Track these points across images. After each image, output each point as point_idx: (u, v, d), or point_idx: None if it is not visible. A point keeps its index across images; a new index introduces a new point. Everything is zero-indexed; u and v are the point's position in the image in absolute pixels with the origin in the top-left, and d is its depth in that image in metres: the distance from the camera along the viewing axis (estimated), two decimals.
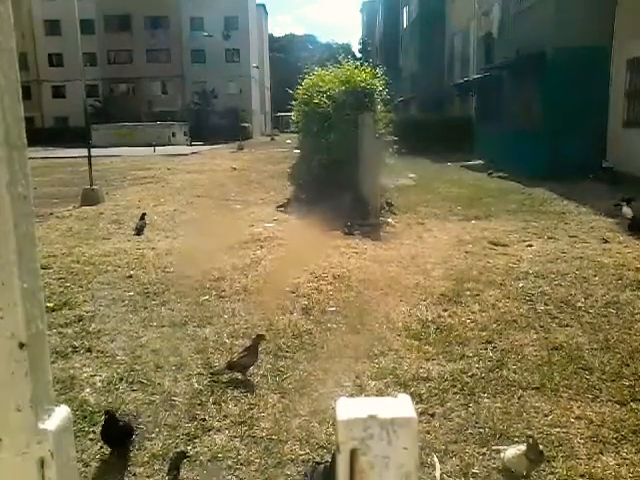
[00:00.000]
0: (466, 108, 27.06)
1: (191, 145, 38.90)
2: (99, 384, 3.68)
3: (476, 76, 22.72)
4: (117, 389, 3.61)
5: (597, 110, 14.90)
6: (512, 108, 18.35)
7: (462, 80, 25.48)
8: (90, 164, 12.12)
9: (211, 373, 3.83)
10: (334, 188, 11.06)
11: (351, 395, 3.50)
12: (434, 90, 32.43)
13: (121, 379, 3.74)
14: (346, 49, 63.15)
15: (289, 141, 33.69)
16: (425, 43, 33.88)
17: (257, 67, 62.56)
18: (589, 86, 14.75)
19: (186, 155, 28.06)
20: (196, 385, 3.66)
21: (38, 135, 46.54)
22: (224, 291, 5.66)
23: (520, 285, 5.70)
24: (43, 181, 15.53)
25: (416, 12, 35.84)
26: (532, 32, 16.85)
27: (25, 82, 59.40)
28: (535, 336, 4.38)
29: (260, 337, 3.86)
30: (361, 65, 12.16)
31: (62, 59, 55.85)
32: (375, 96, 11.64)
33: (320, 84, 11.51)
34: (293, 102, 13.36)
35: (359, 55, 50.43)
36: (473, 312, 4.95)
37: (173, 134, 41.54)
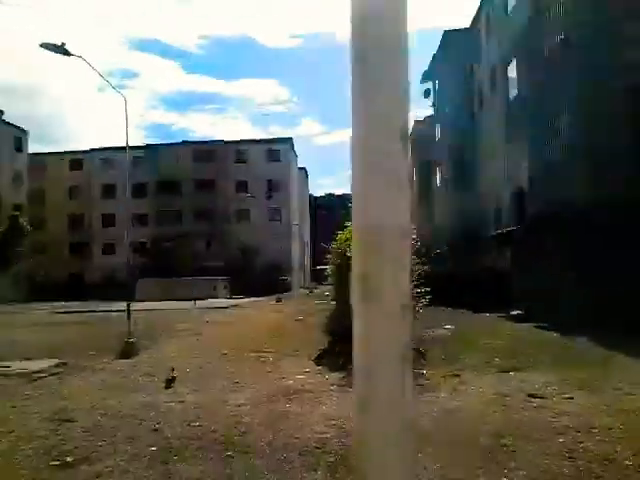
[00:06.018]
0: (503, 258, 27.24)
1: (231, 298, 39.76)
2: None
3: (510, 229, 23.20)
4: None
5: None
6: (547, 259, 18.40)
7: (496, 232, 25.99)
8: (129, 318, 12.45)
9: None
10: None
11: None
12: (469, 240, 33.00)
13: None
14: None
15: (327, 293, 34.03)
16: (458, 201, 35.11)
17: (297, 224, 65.50)
18: (623, 238, 14.78)
19: (225, 308, 28.57)
20: None
21: (87, 289, 48.58)
22: (248, 447, 5.48)
23: (560, 440, 5.35)
24: (85, 334, 15.90)
25: (448, 173, 37.58)
26: (561, 189, 17.38)
27: (78, 240, 63.52)
28: None
29: None
30: None
31: (114, 219, 59.99)
32: None
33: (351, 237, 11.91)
34: (328, 256, 13.79)
35: None
36: (509, 470, 4.63)
37: (214, 288, 42.73)
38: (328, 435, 5.78)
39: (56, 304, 36.95)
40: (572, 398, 7.05)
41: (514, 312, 18.37)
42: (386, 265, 0.61)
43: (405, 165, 0.65)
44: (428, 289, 12.23)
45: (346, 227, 13.33)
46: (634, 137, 15.42)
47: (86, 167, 65.06)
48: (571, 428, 5.73)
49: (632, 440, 5.33)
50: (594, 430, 5.65)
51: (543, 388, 7.71)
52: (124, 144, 15.82)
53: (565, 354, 10.63)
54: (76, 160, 65.81)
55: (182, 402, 7.44)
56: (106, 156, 61.69)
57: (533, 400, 7.05)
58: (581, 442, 5.27)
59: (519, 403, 6.93)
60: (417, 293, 11.85)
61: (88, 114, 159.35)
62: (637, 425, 5.80)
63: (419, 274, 12.37)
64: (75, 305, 35.72)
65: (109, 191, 61.64)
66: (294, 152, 68.81)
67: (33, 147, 75.02)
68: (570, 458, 4.87)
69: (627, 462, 4.75)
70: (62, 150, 67.56)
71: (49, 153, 66.54)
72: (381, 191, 0.63)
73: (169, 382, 8.53)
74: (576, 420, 6.03)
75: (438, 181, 43.15)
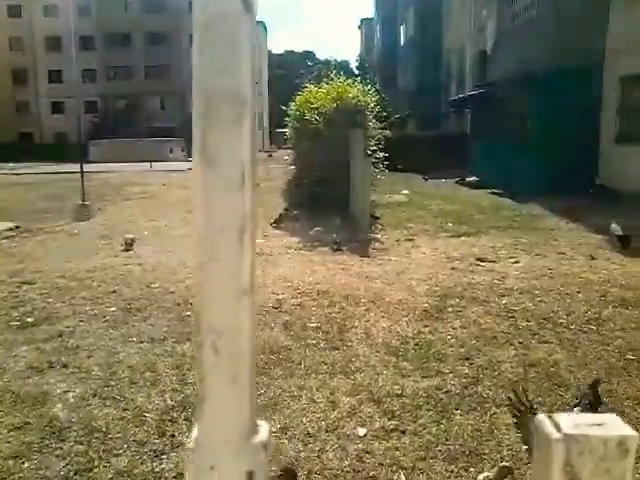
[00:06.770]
0: (462, 125, 27.22)
1: (188, 161, 39.03)
2: (72, 400, 3.66)
3: (470, 93, 22.89)
4: (89, 405, 3.59)
5: (589, 127, 15.00)
6: (506, 125, 18.43)
7: (457, 97, 25.67)
8: (82, 179, 12.16)
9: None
10: (325, 204, 11.11)
11: (323, 411, 3.48)
12: (431, 107, 32.66)
13: (94, 395, 3.72)
14: (344, 66, 63.68)
15: (287, 157, 33.72)
16: (422, 60, 34.17)
17: (256, 83, 63.14)
18: (582, 103, 14.84)
19: (182, 171, 28.09)
20: (169, 401, 3.64)
21: (37, 150, 46.78)
22: None
23: (503, 302, 5.69)
24: (37, 196, 15.58)
25: (413, 30, 36.19)
26: (525, 49, 17.00)
27: (24, 98, 59.92)
28: (513, 352, 4.37)
29: None
30: (360, 82, 12.29)
31: (61, 75, 56.30)
32: (367, 113, 11.73)
33: (311, 100, 11.62)
34: (287, 118, 13.47)
35: (357, 72, 50.77)
36: (454, 328, 4.94)
37: (170, 150, 41.72)
38: (284, 296, 5.99)
39: (5, 165, 35.62)
40: (518, 262, 7.42)
41: (470, 178, 18.69)
42: (224, 133, 0.61)
43: (245, 30, 0.63)
44: (386, 154, 12.24)
45: (305, 87, 12.93)
46: None
47: (26, 15, 59.67)
48: (514, 290, 6.08)
49: (568, 300, 5.72)
50: (535, 292, 6.01)
51: (492, 252, 8.06)
52: None
53: (515, 220, 11.02)
54: (15, 6, 60.02)
55: (140, 264, 7.52)
56: (49, 2, 56.45)
57: (481, 264, 7.39)
58: (522, 303, 5.62)
59: (467, 267, 7.25)
60: (376, 158, 11.87)
61: None
62: (574, 287, 6.19)
63: (378, 139, 12.31)
64: (26, 166, 34.56)
65: (54, 44, 57.14)
66: None
67: None
68: (511, 317, 5.22)
69: (561, 320, 5.13)
70: None
71: None
72: (218, 55, 0.62)
73: (127, 244, 8.55)
74: (520, 283, 6.39)
75: (402, 40, 41.60)
